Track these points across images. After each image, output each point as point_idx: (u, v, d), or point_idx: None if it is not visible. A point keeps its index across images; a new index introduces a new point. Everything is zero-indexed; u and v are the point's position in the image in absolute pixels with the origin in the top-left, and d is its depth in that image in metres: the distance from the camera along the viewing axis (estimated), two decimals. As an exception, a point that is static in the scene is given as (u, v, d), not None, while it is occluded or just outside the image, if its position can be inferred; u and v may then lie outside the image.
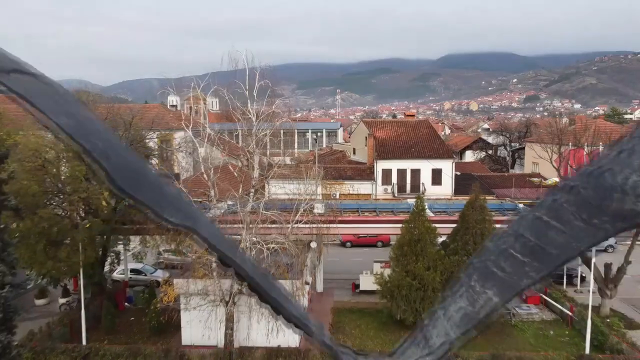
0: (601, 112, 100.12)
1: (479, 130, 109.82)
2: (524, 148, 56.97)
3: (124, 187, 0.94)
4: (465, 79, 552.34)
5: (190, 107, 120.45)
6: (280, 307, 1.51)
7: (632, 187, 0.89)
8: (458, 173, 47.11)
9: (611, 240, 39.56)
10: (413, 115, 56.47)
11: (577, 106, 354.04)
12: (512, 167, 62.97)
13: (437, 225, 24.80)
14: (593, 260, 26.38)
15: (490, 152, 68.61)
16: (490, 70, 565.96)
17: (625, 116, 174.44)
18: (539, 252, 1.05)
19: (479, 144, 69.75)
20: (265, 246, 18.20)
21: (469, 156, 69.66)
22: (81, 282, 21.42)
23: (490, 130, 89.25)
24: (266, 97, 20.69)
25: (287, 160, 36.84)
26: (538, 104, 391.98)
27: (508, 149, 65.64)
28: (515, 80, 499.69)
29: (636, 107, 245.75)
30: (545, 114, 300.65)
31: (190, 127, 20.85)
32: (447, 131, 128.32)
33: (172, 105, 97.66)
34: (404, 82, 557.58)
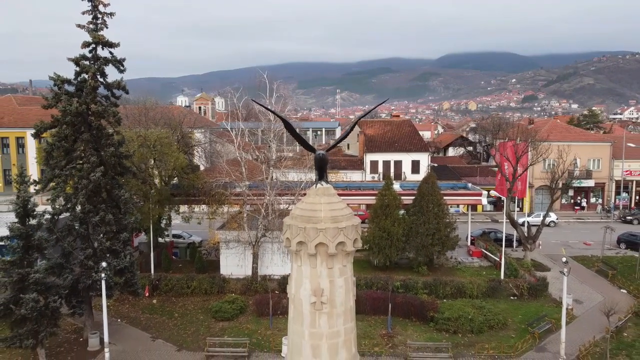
0: (597, 112, 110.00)
1: (467, 129, 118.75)
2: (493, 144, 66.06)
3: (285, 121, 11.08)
4: (464, 78, 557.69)
5: (200, 107, 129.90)
6: (299, 139, 11.33)
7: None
8: (435, 164, 56.42)
9: (554, 217, 49.10)
10: (398, 116, 65.89)
11: (575, 106, 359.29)
12: (487, 161, 71.79)
13: (403, 197, 34.15)
14: (525, 226, 35.78)
15: (469, 148, 77.66)
16: (489, 70, 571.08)
17: (615, 116, 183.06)
18: None
19: (459, 141, 78.91)
20: (282, 202, 27.59)
21: (452, 152, 78.82)
22: (151, 231, 30.70)
23: (478, 128, 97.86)
24: (280, 104, 29.91)
25: (290, 154, 46.16)
26: (536, 104, 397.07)
27: (483, 144, 74.58)
28: (514, 80, 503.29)
29: (626, 107, 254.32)
30: (542, 113, 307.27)
31: (229, 124, 30.22)
32: (440, 130, 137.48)
33: (187, 106, 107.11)
34: (403, 81, 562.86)
